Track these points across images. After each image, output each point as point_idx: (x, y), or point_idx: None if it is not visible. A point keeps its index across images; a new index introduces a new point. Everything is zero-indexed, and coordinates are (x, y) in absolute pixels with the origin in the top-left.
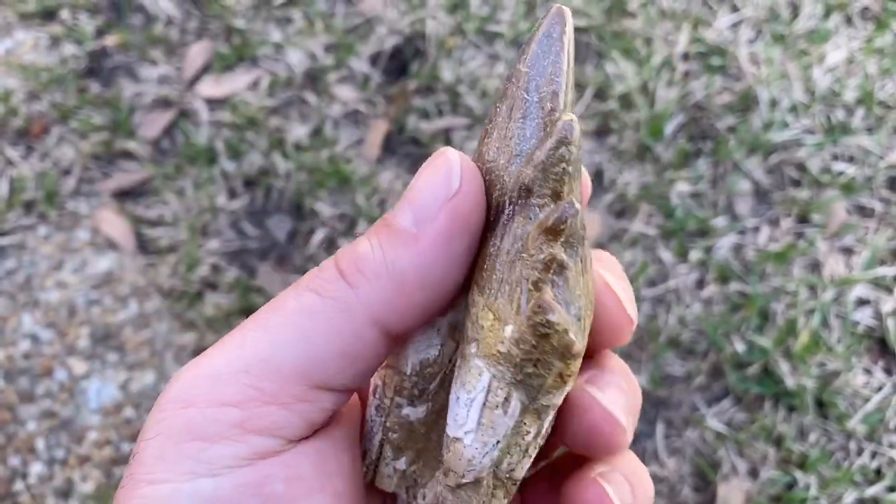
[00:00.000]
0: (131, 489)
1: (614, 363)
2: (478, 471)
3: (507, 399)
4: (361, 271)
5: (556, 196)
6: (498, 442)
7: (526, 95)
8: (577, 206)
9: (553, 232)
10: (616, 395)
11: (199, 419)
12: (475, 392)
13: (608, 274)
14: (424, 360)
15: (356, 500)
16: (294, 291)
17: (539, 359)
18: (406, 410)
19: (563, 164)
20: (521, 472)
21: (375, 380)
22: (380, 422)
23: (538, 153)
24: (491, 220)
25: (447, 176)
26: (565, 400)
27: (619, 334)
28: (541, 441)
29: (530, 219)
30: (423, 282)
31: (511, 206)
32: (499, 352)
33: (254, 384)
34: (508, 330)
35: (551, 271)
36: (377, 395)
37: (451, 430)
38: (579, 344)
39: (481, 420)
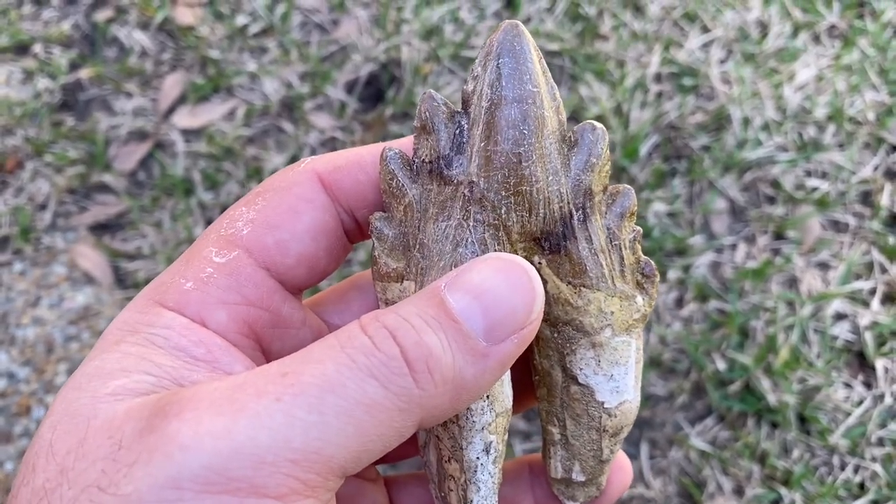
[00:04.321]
0: None
1: None
2: (638, 406)
3: (641, 348)
4: (431, 373)
5: (605, 189)
6: (637, 378)
7: (545, 112)
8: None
9: (631, 214)
10: None
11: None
12: (630, 361)
13: None
14: None
15: None
16: (353, 371)
17: (654, 302)
18: None
19: (609, 163)
20: None
21: None
22: None
23: (591, 160)
24: (558, 232)
25: (531, 302)
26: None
27: None
28: None
29: (604, 213)
30: (477, 393)
31: (580, 211)
32: (635, 320)
33: (300, 476)
34: (639, 300)
35: (638, 242)
36: None
37: (615, 400)
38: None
39: (636, 375)
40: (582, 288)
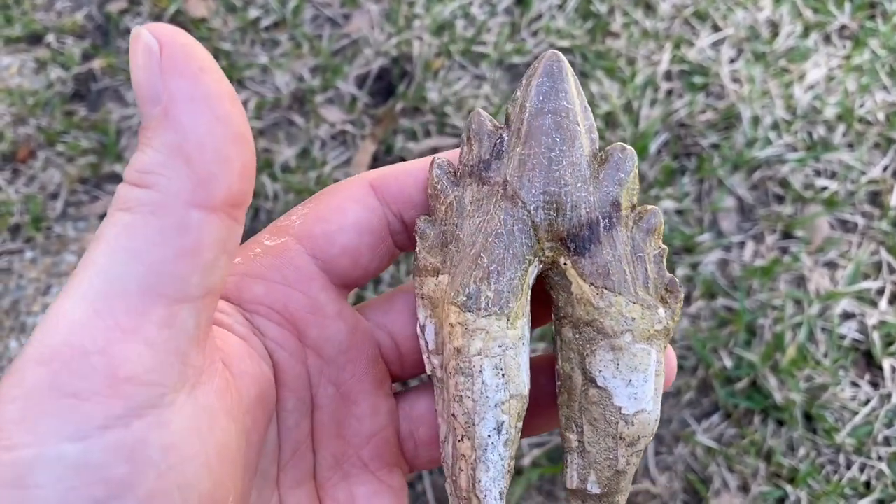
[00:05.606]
0: None
1: None
2: (658, 421)
3: (662, 361)
4: (147, 171)
5: (633, 206)
6: (657, 391)
7: (578, 127)
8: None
9: (658, 232)
10: None
11: (66, 374)
12: (649, 370)
13: None
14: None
15: (231, 470)
16: (105, 222)
17: (678, 318)
18: None
19: (637, 182)
20: None
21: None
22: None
23: (619, 175)
24: (584, 235)
25: (146, 51)
26: None
27: None
28: None
29: (630, 227)
30: (201, 148)
31: (606, 220)
32: (657, 331)
33: (110, 321)
34: (661, 312)
35: (664, 259)
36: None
37: (633, 407)
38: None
39: (655, 388)
40: (604, 290)
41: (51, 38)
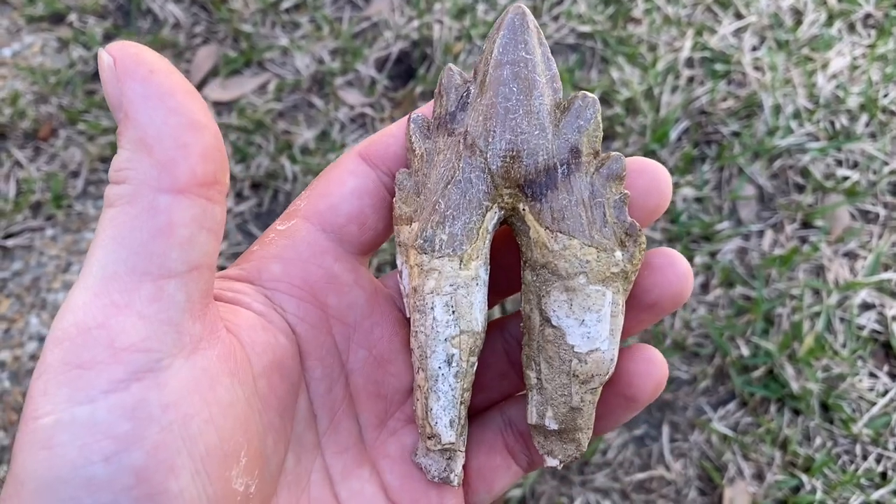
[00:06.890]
0: (23, 428)
1: None
2: (614, 362)
3: (620, 303)
4: (120, 169)
5: (596, 153)
6: (613, 332)
7: (537, 77)
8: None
9: (619, 178)
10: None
11: (73, 349)
12: (604, 311)
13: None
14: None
15: (240, 427)
16: (99, 220)
17: (637, 262)
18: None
19: (600, 129)
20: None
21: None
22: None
23: (580, 122)
24: (541, 182)
25: (106, 67)
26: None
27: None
28: None
29: (590, 173)
30: (158, 138)
31: (564, 166)
32: (613, 273)
33: (105, 300)
34: (618, 255)
35: (626, 204)
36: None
37: (586, 346)
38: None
39: (611, 328)
40: (559, 233)
41: (73, 17)
